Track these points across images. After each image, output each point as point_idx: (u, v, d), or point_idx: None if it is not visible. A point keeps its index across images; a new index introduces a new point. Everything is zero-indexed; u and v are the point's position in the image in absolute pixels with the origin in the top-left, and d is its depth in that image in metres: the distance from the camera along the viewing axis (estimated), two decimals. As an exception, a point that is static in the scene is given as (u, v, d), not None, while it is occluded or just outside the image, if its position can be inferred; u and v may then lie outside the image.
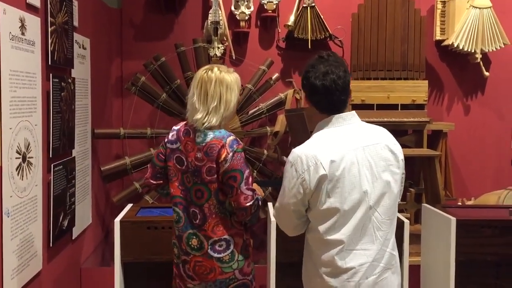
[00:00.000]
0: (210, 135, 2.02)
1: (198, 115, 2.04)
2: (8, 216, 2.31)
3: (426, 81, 4.49)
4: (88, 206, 3.75)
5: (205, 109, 2.04)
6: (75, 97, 3.25)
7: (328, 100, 1.81)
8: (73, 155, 3.28)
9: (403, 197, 4.49)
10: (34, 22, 2.59)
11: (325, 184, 1.73)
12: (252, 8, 4.61)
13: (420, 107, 4.51)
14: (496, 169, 4.86)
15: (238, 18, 4.57)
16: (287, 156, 1.88)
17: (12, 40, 2.33)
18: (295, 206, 1.81)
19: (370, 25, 4.47)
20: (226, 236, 2.04)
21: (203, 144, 2.01)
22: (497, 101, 4.85)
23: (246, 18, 4.61)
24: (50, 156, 2.82)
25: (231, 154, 1.97)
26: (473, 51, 4.54)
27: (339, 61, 1.85)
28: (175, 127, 2.16)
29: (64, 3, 3.01)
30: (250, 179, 2.00)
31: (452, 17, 4.59)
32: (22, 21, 2.43)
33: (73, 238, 3.37)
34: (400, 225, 2.78)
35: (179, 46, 4.16)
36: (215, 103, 2.03)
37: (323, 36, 4.54)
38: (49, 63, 2.79)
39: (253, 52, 4.73)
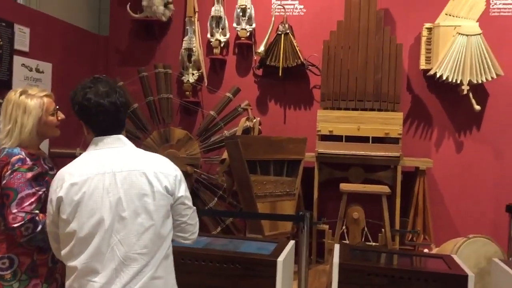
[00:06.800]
0: (4, 153, 2.05)
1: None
2: None
3: (401, 113, 4.16)
4: None
5: (4, 130, 2.08)
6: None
7: (92, 120, 1.74)
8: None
9: (376, 238, 4.15)
10: None
11: (65, 207, 1.64)
12: (228, 35, 4.62)
13: (394, 141, 4.19)
14: (493, 212, 4.32)
15: (212, 45, 4.60)
16: None
17: None
18: (49, 227, 1.74)
19: (341, 53, 4.26)
20: (10, 254, 2.04)
21: None
22: (494, 137, 4.34)
23: (221, 45, 4.62)
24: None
25: (9, 172, 1.99)
26: (459, 82, 4.14)
27: (111, 84, 1.78)
28: None
29: (-3, 30, 3.27)
30: (29, 201, 1.97)
31: (437, 45, 4.22)
32: None
33: None
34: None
35: (142, 71, 4.28)
36: (10, 126, 2.07)
37: (295, 64, 4.40)
38: (-38, 84, 3.03)
39: (230, 79, 4.70)
